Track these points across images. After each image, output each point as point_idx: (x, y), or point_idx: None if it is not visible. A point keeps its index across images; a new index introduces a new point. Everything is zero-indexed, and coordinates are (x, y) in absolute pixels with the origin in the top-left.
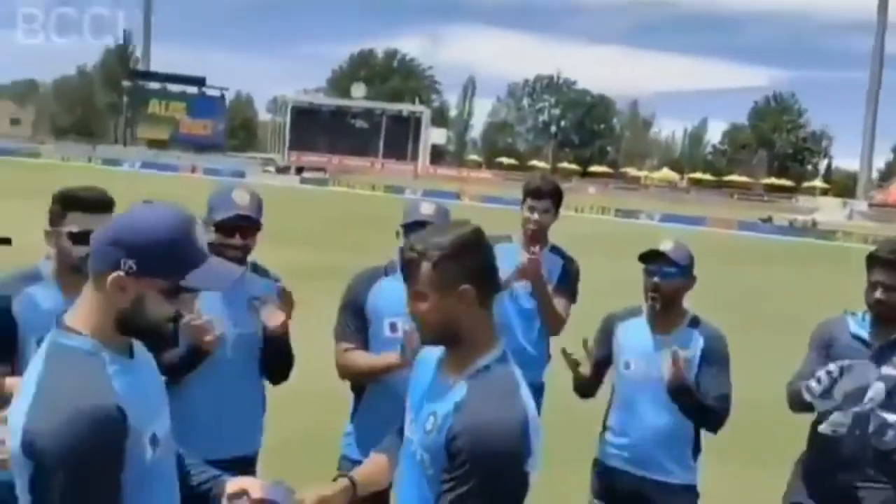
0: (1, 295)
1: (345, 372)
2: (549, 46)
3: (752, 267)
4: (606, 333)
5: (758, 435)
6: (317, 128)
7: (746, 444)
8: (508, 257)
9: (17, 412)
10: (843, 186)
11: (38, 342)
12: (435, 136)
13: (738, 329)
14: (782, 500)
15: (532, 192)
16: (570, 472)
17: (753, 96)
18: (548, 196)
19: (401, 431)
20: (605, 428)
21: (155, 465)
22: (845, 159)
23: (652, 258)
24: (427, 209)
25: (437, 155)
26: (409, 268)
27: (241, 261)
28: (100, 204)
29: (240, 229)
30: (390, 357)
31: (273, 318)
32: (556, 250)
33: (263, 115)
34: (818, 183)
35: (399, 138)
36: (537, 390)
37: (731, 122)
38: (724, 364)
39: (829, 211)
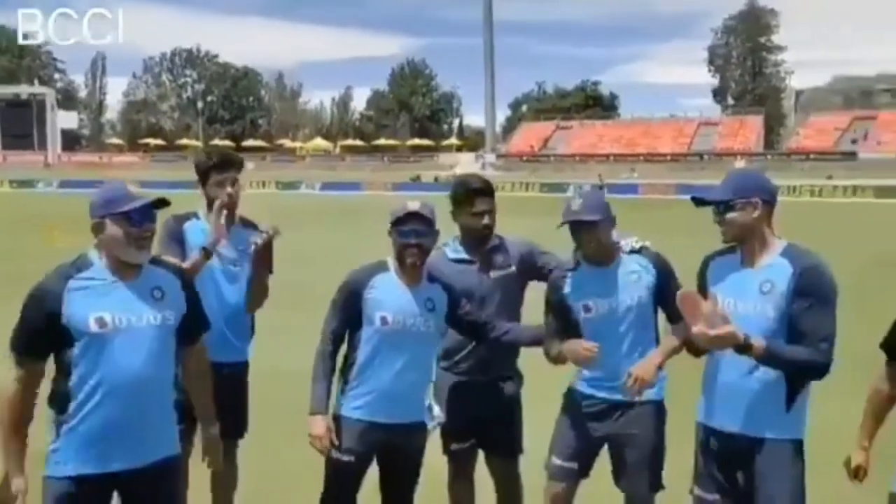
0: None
1: None
2: (184, 19)
3: None
4: (354, 297)
5: None
6: None
7: None
8: (198, 234)
9: None
10: (474, 142)
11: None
12: (64, 119)
13: None
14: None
15: (219, 166)
16: None
17: (391, 64)
18: (237, 168)
19: None
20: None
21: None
22: (473, 117)
23: (406, 220)
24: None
25: (72, 140)
26: None
27: None
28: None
29: None
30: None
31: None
32: (246, 223)
33: None
34: (454, 140)
35: (21, 125)
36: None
37: (373, 89)
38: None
39: (466, 165)
